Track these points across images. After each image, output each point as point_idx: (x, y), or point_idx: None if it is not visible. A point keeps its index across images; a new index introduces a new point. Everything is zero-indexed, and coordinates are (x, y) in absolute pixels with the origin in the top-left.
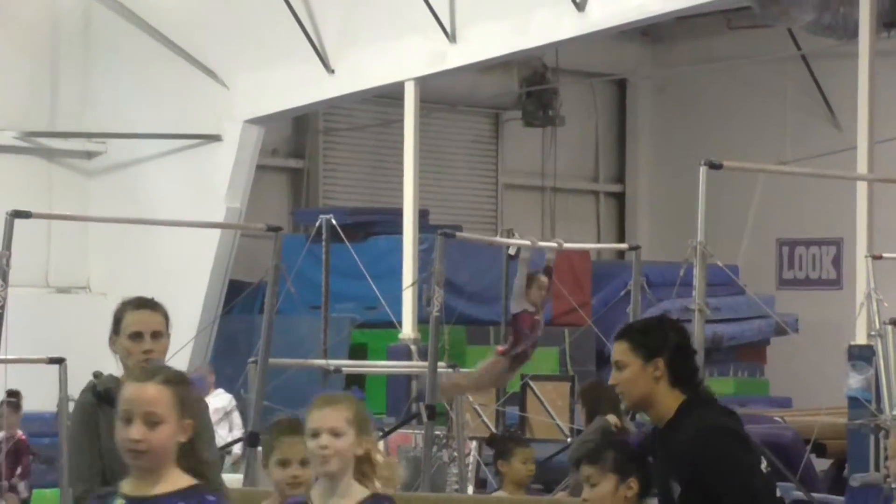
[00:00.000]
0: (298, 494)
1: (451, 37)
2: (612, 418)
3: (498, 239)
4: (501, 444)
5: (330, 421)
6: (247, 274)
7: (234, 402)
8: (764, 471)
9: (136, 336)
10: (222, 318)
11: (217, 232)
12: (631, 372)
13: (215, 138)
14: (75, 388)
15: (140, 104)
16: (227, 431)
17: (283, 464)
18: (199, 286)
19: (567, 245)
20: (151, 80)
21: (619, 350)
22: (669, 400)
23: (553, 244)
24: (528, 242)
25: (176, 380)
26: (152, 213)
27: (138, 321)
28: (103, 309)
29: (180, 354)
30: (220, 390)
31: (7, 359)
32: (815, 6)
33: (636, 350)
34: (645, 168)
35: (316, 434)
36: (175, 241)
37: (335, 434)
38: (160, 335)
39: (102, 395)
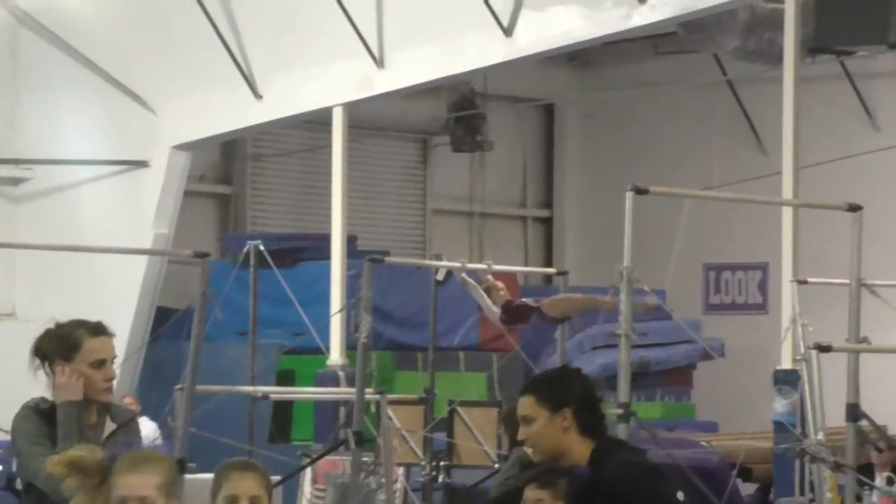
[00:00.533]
0: None
1: (379, 62)
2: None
3: (426, 262)
4: None
5: (139, 489)
6: (174, 300)
7: (158, 431)
8: (682, 501)
9: (100, 364)
10: (149, 345)
11: (144, 258)
12: (539, 425)
13: (143, 164)
14: (1, 415)
15: (68, 130)
16: None
17: (231, 501)
18: (126, 313)
19: (496, 267)
20: (79, 106)
21: (525, 404)
22: (581, 448)
23: (482, 266)
24: (457, 264)
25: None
26: (80, 240)
27: (100, 348)
28: (29, 336)
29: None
30: (145, 419)
31: None
32: (741, 32)
33: (542, 402)
34: (572, 193)
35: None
36: (102, 267)
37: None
38: (113, 361)
39: (46, 412)
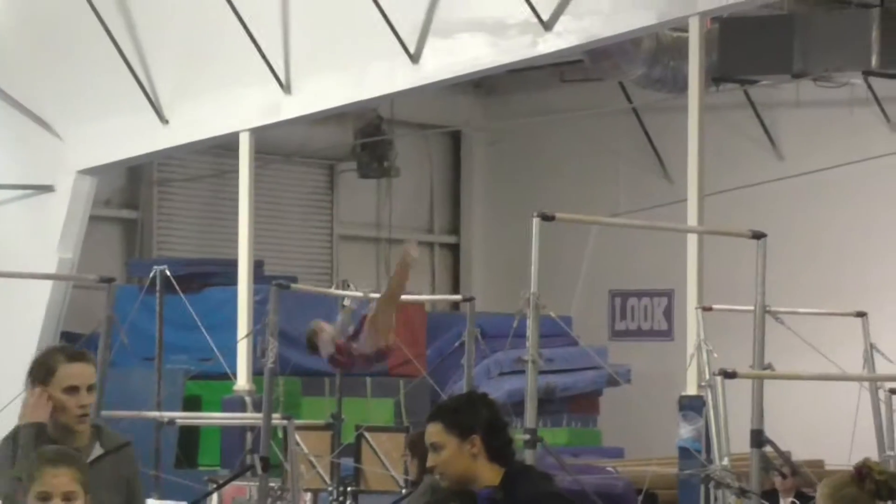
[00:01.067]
0: None
1: (285, 88)
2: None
3: (332, 290)
4: None
5: (63, 485)
6: (80, 325)
7: None
8: None
9: (73, 390)
10: None
11: (49, 283)
12: (448, 452)
13: (48, 189)
14: None
15: None
16: None
17: (44, 498)
18: (31, 337)
19: (404, 296)
20: None
21: (433, 432)
22: (490, 474)
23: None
24: (360, 294)
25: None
26: None
27: (74, 374)
28: None
29: (11, 407)
30: None
31: None
32: (646, 60)
33: (450, 430)
34: (479, 219)
35: (47, 498)
36: (7, 291)
37: (68, 500)
38: (93, 387)
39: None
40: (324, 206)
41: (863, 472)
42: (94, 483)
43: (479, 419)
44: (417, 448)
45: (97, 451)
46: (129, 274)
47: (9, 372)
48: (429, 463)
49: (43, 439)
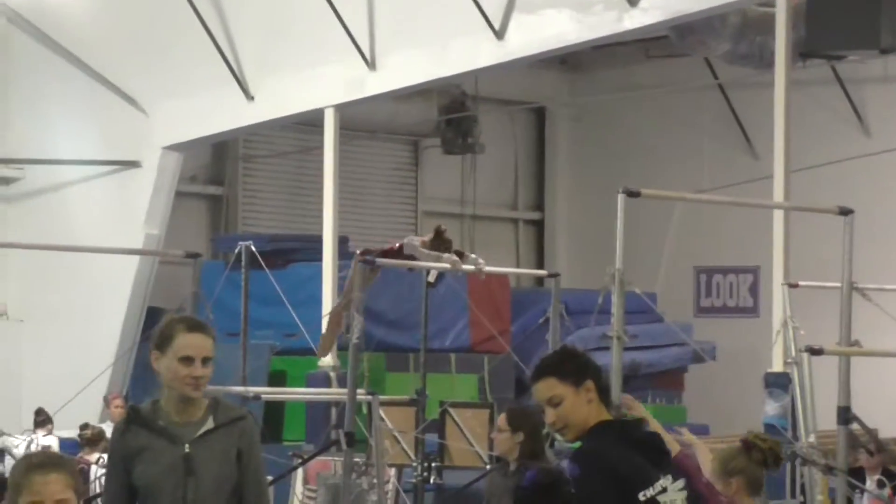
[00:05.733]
0: None
1: (370, 64)
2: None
3: (418, 263)
4: None
5: (55, 492)
6: (165, 301)
7: None
8: None
9: (187, 360)
10: (141, 346)
11: (136, 258)
12: (568, 403)
13: (134, 164)
14: None
15: (59, 130)
16: None
17: None
18: (117, 313)
19: (487, 268)
20: (71, 106)
21: (548, 386)
22: (606, 415)
23: (471, 267)
24: (447, 265)
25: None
26: (71, 240)
27: (190, 345)
28: (21, 335)
29: (98, 381)
30: None
31: None
32: (732, 36)
33: (565, 380)
34: (563, 196)
35: None
36: (93, 267)
37: None
38: (209, 360)
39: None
40: (408, 183)
41: (749, 443)
42: (204, 455)
43: (587, 365)
44: (524, 422)
45: (209, 424)
46: (215, 249)
47: (98, 344)
48: (549, 419)
49: (155, 414)
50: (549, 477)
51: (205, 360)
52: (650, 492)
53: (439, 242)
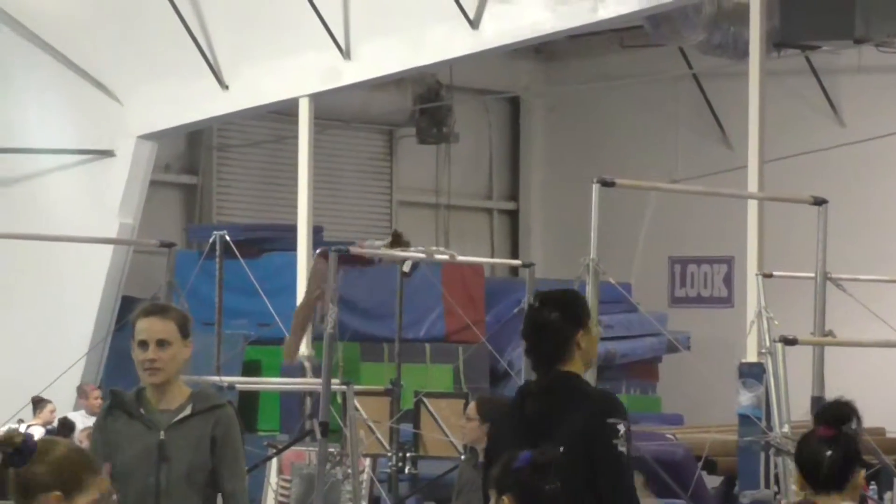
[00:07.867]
0: None
1: (345, 53)
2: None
3: (392, 252)
4: None
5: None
6: (140, 290)
7: None
8: None
9: (142, 344)
10: (115, 335)
11: (110, 248)
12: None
13: (108, 154)
14: None
15: (32, 118)
16: None
17: (141, 345)
18: (91, 302)
19: (460, 258)
20: (44, 95)
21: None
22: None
23: (445, 256)
24: (422, 255)
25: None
26: (44, 229)
27: (143, 329)
28: None
29: (72, 371)
30: None
31: None
32: (706, 26)
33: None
34: (538, 185)
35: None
36: (67, 257)
37: (161, 346)
38: (165, 343)
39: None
40: (383, 172)
41: None
42: (179, 442)
43: (585, 310)
44: (493, 411)
45: (187, 412)
46: (189, 239)
47: (72, 334)
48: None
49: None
50: (546, 457)
51: (161, 343)
52: None
53: (398, 246)
